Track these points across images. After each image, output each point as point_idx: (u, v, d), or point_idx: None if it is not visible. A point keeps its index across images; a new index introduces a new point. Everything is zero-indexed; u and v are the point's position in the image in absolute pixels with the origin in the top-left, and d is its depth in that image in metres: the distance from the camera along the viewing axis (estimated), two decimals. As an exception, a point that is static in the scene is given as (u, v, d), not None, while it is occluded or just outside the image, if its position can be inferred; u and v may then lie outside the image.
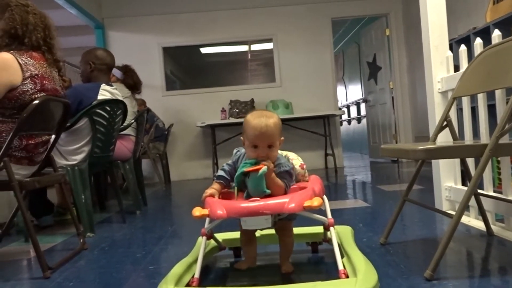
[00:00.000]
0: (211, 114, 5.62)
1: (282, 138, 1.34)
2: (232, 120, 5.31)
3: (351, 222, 2.28)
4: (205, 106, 5.74)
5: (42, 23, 1.97)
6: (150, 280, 1.53)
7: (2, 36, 1.90)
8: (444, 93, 2.27)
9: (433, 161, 2.40)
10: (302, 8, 5.84)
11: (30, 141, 1.90)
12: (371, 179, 4.37)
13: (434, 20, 2.31)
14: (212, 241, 1.57)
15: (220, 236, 1.63)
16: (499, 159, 2.19)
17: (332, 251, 1.21)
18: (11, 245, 2.29)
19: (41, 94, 1.85)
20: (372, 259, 1.54)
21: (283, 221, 1.35)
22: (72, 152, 2.46)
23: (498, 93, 1.83)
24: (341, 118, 8.05)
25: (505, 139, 1.42)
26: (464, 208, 1.38)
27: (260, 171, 1.20)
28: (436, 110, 2.28)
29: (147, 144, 4.59)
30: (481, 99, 1.95)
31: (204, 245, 1.29)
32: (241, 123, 1.39)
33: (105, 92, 2.66)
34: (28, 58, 1.87)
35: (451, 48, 2.39)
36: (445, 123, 1.79)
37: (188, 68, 6.24)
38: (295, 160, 1.50)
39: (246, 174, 1.24)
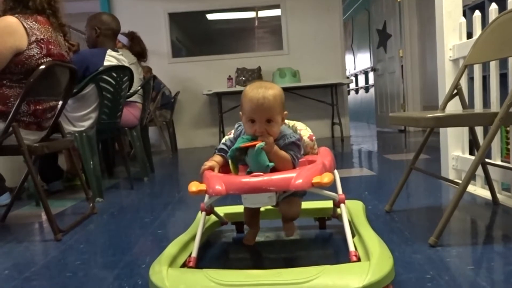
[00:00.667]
0: (217, 82, 5.58)
1: (286, 112, 1.20)
2: (239, 88, 5.27)
3: (357, 190, 2.30)
4: (211, 74, 5.69)
5: (45, -14, 1.94)
6: (158, 243, 1.56)
7: (6, -1, 1.88)
8: (455, 61, 2.22)
9: (441, 130, 2.39)
10: (311, -27, 5.67)
11: (38, 107, 1.90)
12: (378, 148, 4.37)
13: (448, -15, 2.23)
14: (213, 216, 1.47)
15: (222, 210, 1.55)
16: (508, 128, 2.17)
17: (341, 227, 1.13)
18: (23, 209, 2.35)
19: (48, 59, 1.85)
20: (377, 226, 1.56)
21: (287, 197, 1.20)
22: (80, 119, 2.47)
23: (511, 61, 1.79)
24: (348, 87, 7.96)
25: (516, 108, 1.40)
26: (471, 176, 1.38)
27: (257, 146, 1.08)
28: (447, 78, 2.24)
29: (153, 112, 4.59)
30: (493, 67, 1.91)
31: (203, 221, 1.22)
32: (248, 92, 1.25)
33: (111, 58, 2.64)
34: (33, 22, 1.85)
35: (464, 15, 2.32)
36: (455, 91, 1.76)
37: (194, 35, 6.14)
38: (303, 130, 1.34)
39: (242, 150, 1.12)
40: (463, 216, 1.70)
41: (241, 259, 1.41)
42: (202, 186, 1.06)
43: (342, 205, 1.19)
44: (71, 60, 2.13)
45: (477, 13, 2.04)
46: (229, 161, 1.17)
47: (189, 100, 5.73)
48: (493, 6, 1.90)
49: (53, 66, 1.85)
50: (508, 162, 1.88)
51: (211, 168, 1.16)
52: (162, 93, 4.90)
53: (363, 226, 1.29)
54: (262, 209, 1.37)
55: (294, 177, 1.02)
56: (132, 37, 3.64)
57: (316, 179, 1.02)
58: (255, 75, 5.47)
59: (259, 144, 1.09)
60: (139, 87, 3.21)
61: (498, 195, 1.84)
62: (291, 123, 1.35)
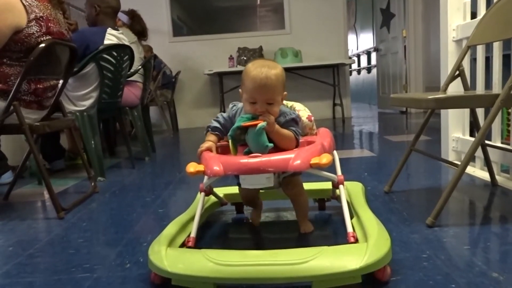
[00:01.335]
0: (218, 62, 5.53)
1: (285, 93, 1.19)
2: (240, 68, 5.23)
3: (357, 171, 2.31)
4: (212, 53, 5.64)
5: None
6: (160, 222, 1.59)
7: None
8: (458, 42, 2.20)
9: (442, 111, 2.38)
10: (315, -50, 5.55)
11: (38, 85, 1.90)
12: (379, 129, 4.37)
13: (454, -37, 2.19)
14: (212, 196, 1.48)
15: (222, 191, 1.55)
16: (509, 110, 2.17)
17: (341, 208, 1.14)
18: (25, 187, 2.37)
19: (47, 37, 1.83)
20: (375, 207, 1.58)
21: (288, 178, 1.24)
22: (81, 98, 2.47)
23: (515, 42, 1.78)
24: (350, 67, 7.90)
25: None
26: (471, 157, 1.38)
27: (258, 125, 1.07)
28: (449, 59, 2.22)
29: (154, 91, 4.57)
30: (496, 48, 1.90)
31: (202, 202, 1.22)
32: (249, 72, 1.22)
33: (111, 37, 2.61)
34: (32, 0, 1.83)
35: (469, -6, 2.28)
36: (457, 72, 1.75)
37: (195, 14, 6.06)
38: (302, 111, 1.33)
39: (242, 129, 1.11)
40: (462, 197, 1.71)
41: (241, 239, 1.42)
42: (200, 167, 1.06)
43: (341, 186, 1.19)
44: (71, 39, 2.11)
45: (482, -7, 2.01)
46: (229, 141, 1.16)
47: (190, 79, 5.70)
48: (499, -14, 1.86)
49: (53, 45, 1.83)
50: (508, 144, 1.88)
51: (209, 149, 1.16)
52: (163, 73, 4.87)
53: (362, 207, 1.29)
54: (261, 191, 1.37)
55: (292, 158, 1.01)
56: (133, 15, 3.60)
57: (314, 160, 1.01)
58: (257, 54, 5.43)
59: (261, 124, 1.08)
60: (140, 67, 3.19)
61: (497, 177, 1.85)
62: (289, 103, 1.35)
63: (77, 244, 1.40)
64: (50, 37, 1.85)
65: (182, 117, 5.69)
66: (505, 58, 1.97)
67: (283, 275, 0.91)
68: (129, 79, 2.98)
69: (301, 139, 1.23)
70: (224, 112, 1.36)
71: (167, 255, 1.01)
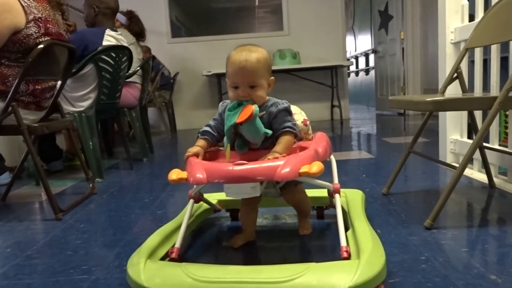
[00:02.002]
0: (217, 63, 5.53)
1: (272, 78, 1.14)
2: (238, 69, 5.23)
3: (355, 173, 2.32)
4: (211, 54, 5.64)
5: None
6: (158, 223, 1.58)
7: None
8: (456, 44, 2.21)
9: (440, 113, 2.39)
10: (313, -48, 5.56)
11: (36, 86, 1.89)
12: (377, 131, 4.37)
13: (452, -34, 2.20)
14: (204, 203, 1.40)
15: (216, 197, 1.48)
16: (507, 113, 2.17)
17: None
18: (23, 188, 2.36)
19: (46, 38, 1.83)
20: (373, 208, 1.58)
21: (288, 189, 1.18)
22: (79, 99, 2.47)
23: (513, 45, 1.78)
24: (349, 69, 7.91)
25: (515, 92, 1.40)
26: (469, 159, 1.39)
27: (254, 112, 1.02)
28: (447, 61, 2.23)
29: (152, 92, 4.57)
30: (494, 50, 1.90)
31: (190, 210, 1.16)
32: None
33: (110, 38, 2.61)
34: (31, 0, 1.82)
35: (467, -3, 2.30)
36: (455, 74, 1.76)
37: (194, 15, 6.06)
38: (298, 115, 1.28)
39: (237, 126, 1.07)
40: (460, 199, 1.72)
41: (232, 249, 1.30)
42: (183, 174, 1.01)
43: (336, 195, 1.11)
44: (69, 39, 2.11)
45: (480, -4, 2.02)
46: (225, 146, 1.12)
47: (188, 81, 5.70)
48: (497, -11, 1.87)
49: (51, 45, 1.83)
50: (506, 146, 1.89)
51: (196, 154, 1.10)
52: (161, 74, 4.87)
53: (359, 219, 1.20)
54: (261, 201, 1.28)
55: (280, 166, 0.94)
56: (131, 16, 3.60)
57: (304, 169, 0.94)
58: (255, 56, 5.42)
59: (255, 109, 1.04)
60: (138, 68, 3.19)
61: (495, 179, 1.85)
62: None
63: (75, 245, 1.39)
64: (48, 38, 1.84)
65: (180, 118, 5.69)
66: (503, 60, 1.97)
67: None
68: (127, 80, 2.98)
69: (295, 145, 1.19)
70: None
71: (146, 268, 0.96)
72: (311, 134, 1.30)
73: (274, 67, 4.09)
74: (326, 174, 0.99)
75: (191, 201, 1.20)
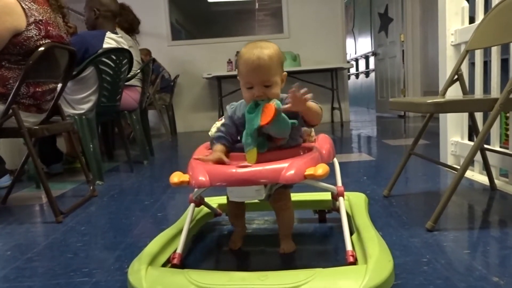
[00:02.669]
0: (217, 66, 5.54)
1: (285, 73, 1.11)
2: (239, 72, 5.23)
3: (356, 175, 2.32)
4: (211, 57, 5.65)
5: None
6: (158, 226, 1.58)
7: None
8: (457, 46, 2.21)
9: (440, 115, 2.39)
10: (313, -46, 5.58)
11: (37, 89, 1.90)
12: (377, 133, 4.37)
13: (452, -32, 2.20)
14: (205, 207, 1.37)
15: (216, 201, 1.47)
16: (508, 114, 2.17)
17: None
18: (23, 191, 2.36)
19: (46, 41, 1.83)
20: (374, 211, 1.58)
21: (279, 190, 1.12)
22: (79, 101, 2.47)
23: (513, 47, 1.78)
24: (349, 71, 7.92)
25: (516, 94, 1.40)
26: (470, 161, 1.38)
27: (276, 108, 0.98)
28: (448, 63, 2.23)
29: (153, 95, 4.57)
30: (495, 52, 1.91)
31: (191, 214, 1.14)
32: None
33: (110, 41, 2.62)
34: (32, 3, 1.83)
35: (467, -1, 2.30)
36: (456, 76, 1.76)
37: (194, 18, 6.08)
38: None
39: (261, 128, 1.02)
40: (461, 201, 1.71)
41: (234, 253, 1.29)
42: (185, 177, 0.98)
43: (340, 198, 1.10)
44: (70, 42, 2.11)
45: (480, -2, 2.02)
46: (248, 149, 1.05)
47: (188, 83, 5.70)
48: (497, -9, 1.88)
49: (52, 48, 1.83)
50: (507, 148, 1.89)
51: (218, 162, 1.04)
52: (162, 76, 4.88)
53: (363, 223, 1.19)
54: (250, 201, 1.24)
55: (285, 168, 0.92)
56: (121, 8, 3.49)
57: (309, 171, 0.92)
58: (255, 58, 5.43)
59: (276, 103, 1.00)
60: (138, 70, 3.19)
61: (496, 181, 1.85)
62: None
63: (75, 248, 1.39)
64: (49, 40, 1.85)
65: (181, 121, 5.69)
66: (503, 62, 1.98)
67: None
68: (127, 83, 2.98)
69: (298, 147, 1.15)
70: (222, 115, 1.29)
71: (147, 275, 0.94)
72: (314, 136, 1.29)
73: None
74: (328, 176, 0.97)
75: (192, 205, 1.18)
